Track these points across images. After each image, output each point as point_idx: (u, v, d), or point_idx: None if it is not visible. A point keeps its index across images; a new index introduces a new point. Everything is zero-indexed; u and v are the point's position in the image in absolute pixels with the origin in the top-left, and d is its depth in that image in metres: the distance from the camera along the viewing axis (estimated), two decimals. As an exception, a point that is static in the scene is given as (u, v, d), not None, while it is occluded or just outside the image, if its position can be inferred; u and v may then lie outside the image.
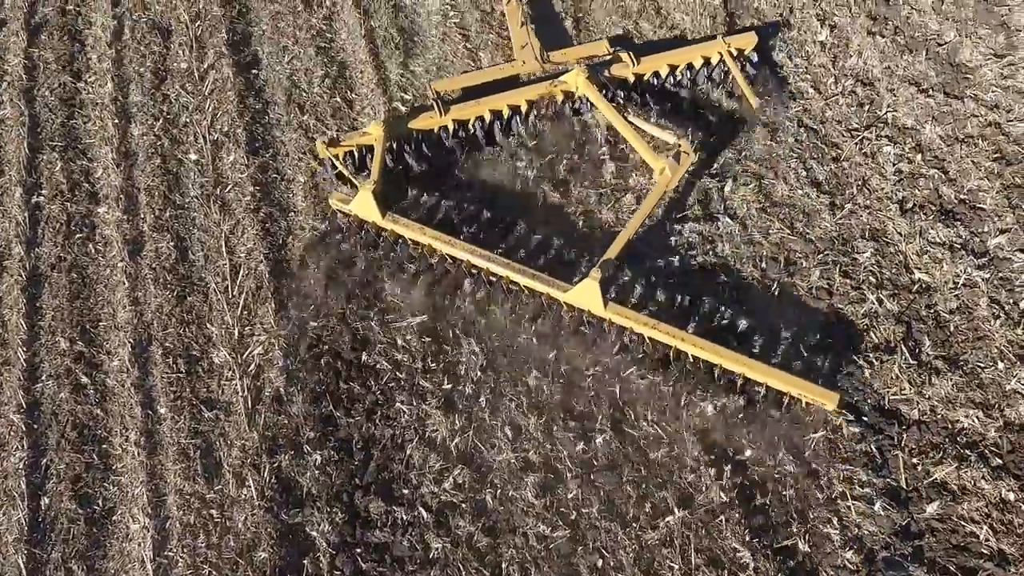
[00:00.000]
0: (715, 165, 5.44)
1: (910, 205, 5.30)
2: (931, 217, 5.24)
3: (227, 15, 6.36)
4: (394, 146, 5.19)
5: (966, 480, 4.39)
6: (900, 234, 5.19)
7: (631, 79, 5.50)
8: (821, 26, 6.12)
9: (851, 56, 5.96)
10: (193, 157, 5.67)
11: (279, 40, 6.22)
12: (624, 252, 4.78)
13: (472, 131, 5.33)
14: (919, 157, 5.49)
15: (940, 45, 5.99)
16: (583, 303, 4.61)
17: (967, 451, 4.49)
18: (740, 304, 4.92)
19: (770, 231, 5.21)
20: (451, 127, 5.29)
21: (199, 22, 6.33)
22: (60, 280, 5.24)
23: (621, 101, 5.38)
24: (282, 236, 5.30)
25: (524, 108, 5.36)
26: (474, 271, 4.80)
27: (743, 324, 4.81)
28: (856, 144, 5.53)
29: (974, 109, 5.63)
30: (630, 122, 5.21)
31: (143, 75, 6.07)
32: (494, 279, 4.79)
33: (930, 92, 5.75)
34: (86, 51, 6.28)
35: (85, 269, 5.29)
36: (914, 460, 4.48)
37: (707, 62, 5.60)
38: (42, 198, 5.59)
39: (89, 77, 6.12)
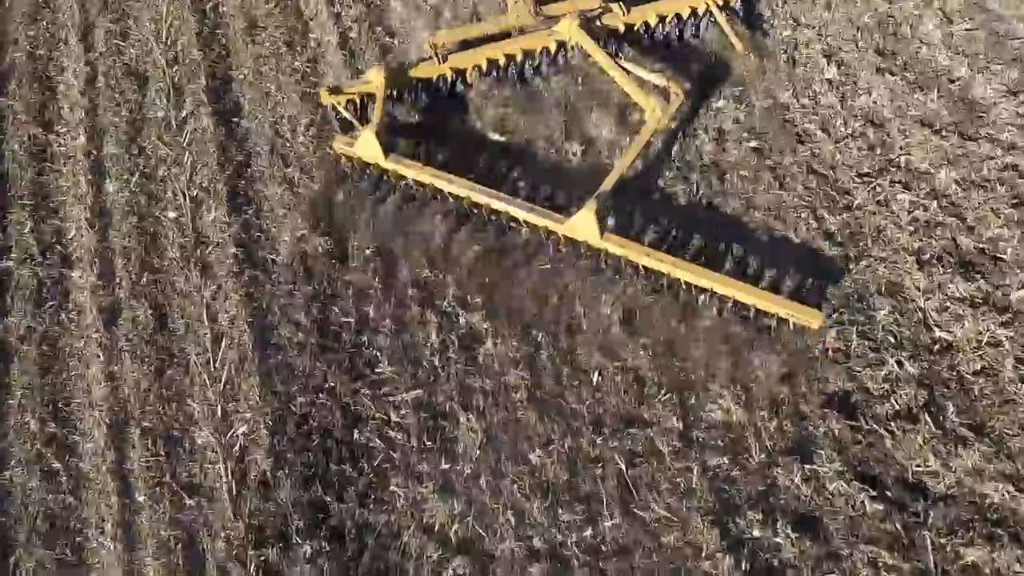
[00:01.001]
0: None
1: (927, 256, 4.96)
2: (950, 270, 4.90)
3: (206, 59, 5.96)
4: (394, 93, 5.32)
5: (1000, 564, 4.06)
6: (918, 288, 4.84)
7: (622, 28, 5.66)
8: (828, 62, 5.77)
9: (860, 95, 5.61)
10: (171, 215, 5.28)
11: (261, 85, 5.83)
12: (616, 187, 4.86)
13: (470, 79, 5.51)
14: (935, 204, 5.14)
15: (952, 82, 5.64)
16: (580, 234, 4.68)
17: (998, 529, 4.17)
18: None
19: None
20: (449, 75, 5.42)
21: (176, 67, 5.93)
22: (30, 353, 4.84)
23: (614, 49, 5.59)
24: (266, 300, 4.93)
25: (519, 57, 5.53)
26: (474, 208, 4.90)
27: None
28: (869, 191, 5.19)
29: (990, 151, 5.29)
30: (621, 66, 5.34)
31: (118, 125, 5.67)
32: (494, 216, 4.88)
33: (943, 133, 5.40)
34: (57, 99, 5.88)
35: (57, 341, 4.89)
36: (942, 540, 4.14)
37: (694, 12, 5.76)
38: (11, 262, 5.19)
39: (60, 128, 5.72)
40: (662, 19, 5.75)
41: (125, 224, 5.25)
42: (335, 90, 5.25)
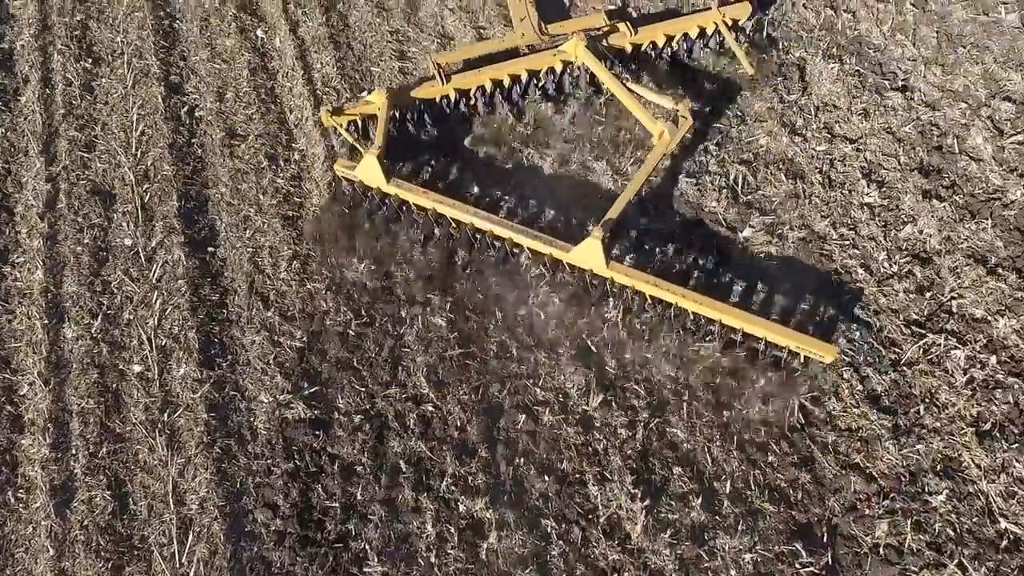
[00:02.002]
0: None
1: (987, 427, 4.32)
2: (1014, 443, 4.26)
3: (179, 175, 5.30)
4: (396, 115, 5.18)
5: None
6: (979, 467, 4.22)
7: (629, 49, 5.49)
8: (868, 183, 5.13)
9: (904, 224, 4.96)
10: (137, 369, 4.63)
11: (240, 207, 5.17)
12: (624, 214, 4.69)
13: (473, 100, 5.32)
14: (993, 359, 4.50)
15: (1006, 206, 5.00)
16: (585, 262, 4.53)
17: None
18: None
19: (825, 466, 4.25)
20: (453, 96, 5.25)
21: (147, 184, 5.27)
22: (-29, 544, 4.23)
23: (620, 70, 5.40)
24: (240, 478, 4.29)
25: (524, 77, 5.33)
26: (478, 234, 4.73)
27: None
28: (918, 346, 4.55)
29: (1054, 294, 4.67)
30: (629, 88, 5.17)
31: (80, 256, 5.00)
32: (497, 242, 4.71)
33: (1000, 271, 4.75)
34: (15, 223, 5.20)
35: (1, 528, 4.26)
36: None
37: (703, 32, 5.55)
38: (-46, 426, 4.56)
39: (17, 258, 5.05)
40: (670, 39, 5.57)
41: (84, 380, 4.59)
42: (337, 111, 5.10)
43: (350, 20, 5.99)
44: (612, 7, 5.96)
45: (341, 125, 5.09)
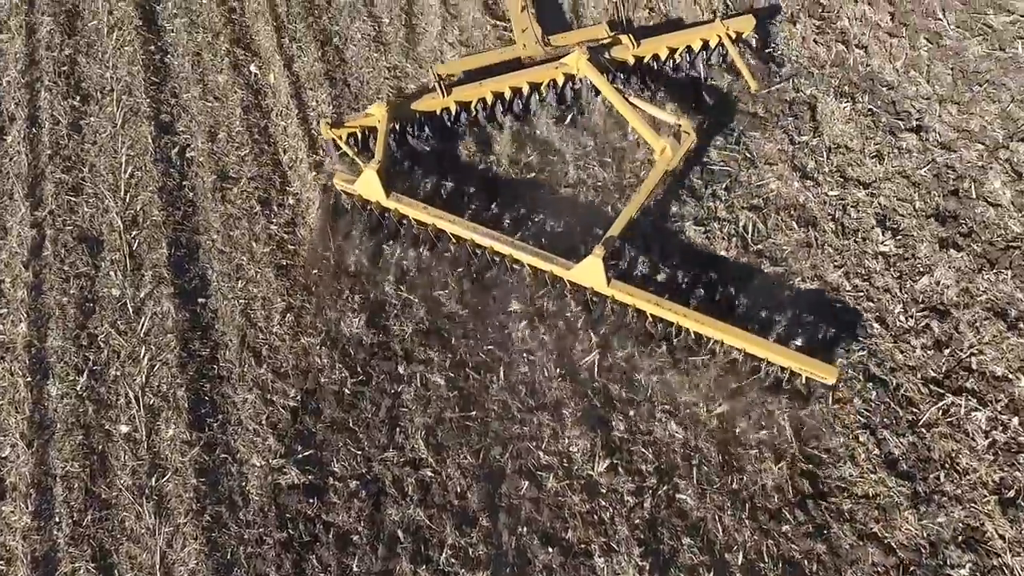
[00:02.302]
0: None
1: (1011, 494, 4.13)
2: (1039, 512, 4.09)
3: (169, 220, 5.08)
4: (397, 127, 5.08)
5: None
6: (1003, 539, 4.02)
7: (631, 61, 5.37)
8: (882, 230, 4.93)
9: (920, 274, 4.77)
10: (124, 429, 4.42)
11: (232, 255, 4.96)
12: (626, 230, 4.61)
13: (474, 112, 5.23)
14: (1015, 421, 4.31)
15: (1026, 256, 4.82)
16: (586, 281, 4.46)
17: None
18: None
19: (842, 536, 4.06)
20: (453, 109, 5.15)
21: (136, 231, 5.06)
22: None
23: (622, 83, 5.31)
24: (231, 549, 4.09)
25: (526, 90, 5.23)
26: (478, 250, 4.66)
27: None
28: (937, 407, 4.36)
29: (1077, 350, 4.48)
30: (631, 103, 5.09)
31: (65, 308, 4.79)
32: (497, 258, 4.64)
33: (1020, 326, 4.56)
34: (-1, 272, 5.02)
35: (-19, 604, 4.07)
36: None
37: (706, 45, 5.42)
38: (-67, 491, 4.35)
39: (0, 310, 4.86)
40: (672, 52, 5.44)
41: (69, 441, 4.38)
42: (336, 123, 5.01)
43: (346, 55, 5.78)
44: (614, 19, 5.85)
45: (340, 138, 4.99)
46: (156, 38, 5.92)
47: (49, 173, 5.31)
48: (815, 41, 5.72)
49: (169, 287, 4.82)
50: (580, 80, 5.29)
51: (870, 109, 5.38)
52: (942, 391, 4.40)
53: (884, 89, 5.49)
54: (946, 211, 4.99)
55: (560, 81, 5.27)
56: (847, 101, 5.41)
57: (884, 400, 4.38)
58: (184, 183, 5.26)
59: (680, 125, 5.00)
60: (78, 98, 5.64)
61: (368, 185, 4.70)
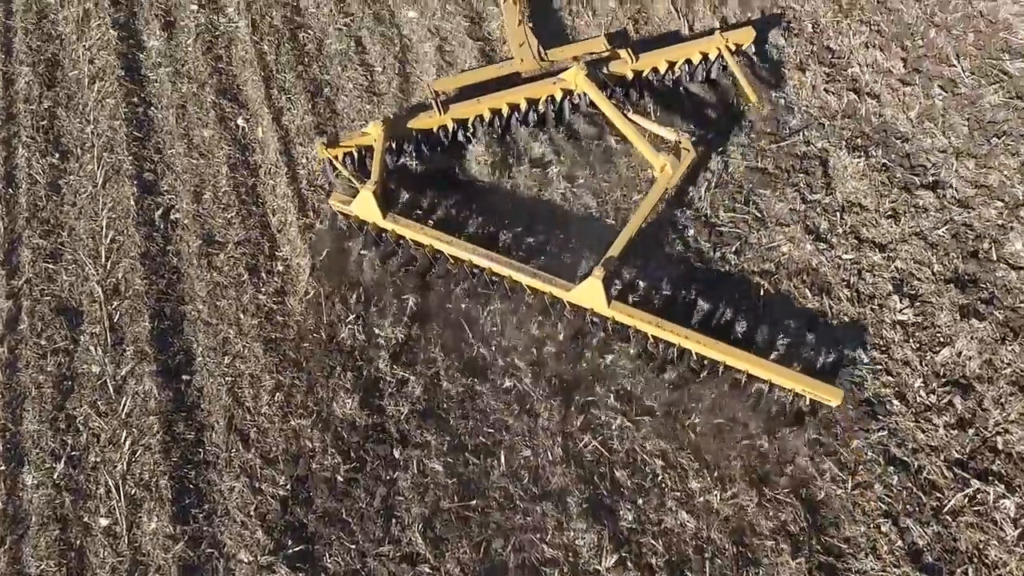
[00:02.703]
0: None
1: (1042, 590, 3.91)
2: (1072, 611, 3.85)
3: (152, 289, 4.81)
4: (393, 146, 4.99)
5: None
6: (1034, 639, 3.80)
7: (630, 76, 5.29)
8: (899, 297, 4.68)
9: (941, 346, 4.53)
10: (103, 522, 4.15)
11: (218, 328, 4.69)
12: (626, 250, 4.54)
13: (472, 129, 5.15)
14: (1045, 508, 4.09)
15: (1050, 324, 4.58)
16: (586, 302, 4.39)
17: None
18: None
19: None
20: (451, 126, 5.06)
21: (117, 301, 4.79)
22: None
23: (621, 98, 5.24)
24: (218, 660, 3.84)
25: (524, 106, 5.15)
26: (476, 270, 4.57)
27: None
28: (963, 493, 4.11)
29: (1107, 429, 4.24)
30: (630, 119, 5.00)
31: (42, 387, 4.52)
32: (496, 279, 4.56)
33: (1047, 402, 4.34)
34: (-28, 346, 4.75)
35: None
36: None
37: (705, 58, 5.34)
38: (-101, 594, 4.08)
39: (-27, 391, 4.60)
40: (671, 65, 5.35)
41: (45, 536, 4.11)
42: (332, 142, 4.90)
43: (338, 106, 5.51)
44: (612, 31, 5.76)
45: (336, 158, 4.88)
46: (139, 89, 5.65)
47: (26, 238, 5.04)
48: (826, 90, 5.47)
49: (152, 363, 4.56)
50: (579, 96, 5.20)
51: (884, 163, 5.14)
52: (967, 475, 4.15)
53: (898, 142, 5.25)
54: (965, 275, 4.75)
55: (558, 97, 5.18)
56: (860, 155, 5.16)
57: (906, 485, 4.14)
58: (168, 248, 5.00)
59: (680, 141, 4.91)
60: (57, 155, 5.37)
61: (365, 206, 4.61)
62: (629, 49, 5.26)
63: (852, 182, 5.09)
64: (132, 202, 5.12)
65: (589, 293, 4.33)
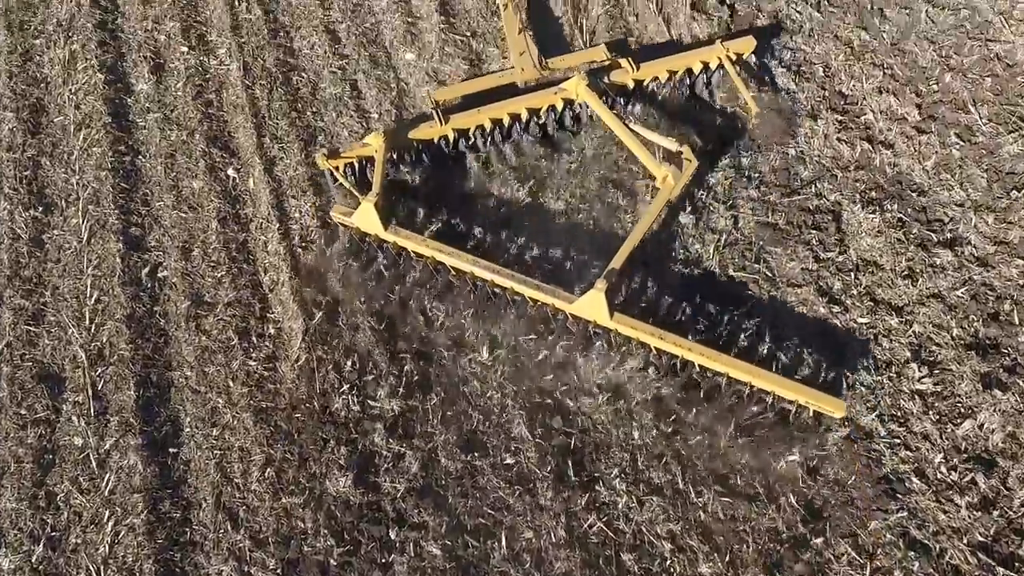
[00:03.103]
0: None
1: None
2: None
3: (138, 355, 4.59)
4: (394, 156, 4.96)
5: None
6: None
7: (631, 85, 5.22)
8: (918, 364, 4.46)
9: (962, 417, 4.31)
10: (84, 612, 3.97)
11: (207, 396, 4.47)
12: (629, 261, 4.49)
13: (473, 140, 5.10)
14: (1074, 595, 3.88)
15: (1077, 394, 4.36)
16: (589, 314, 4.35)
17: None
18: None
19: None
20: (451, 136, 5.02)
21: (101, 366, 4.57)
22: None
23: (622, 108, 5.20)
24: None
25: (524, 116, 5.09)
26: (478, 282, 4.53)
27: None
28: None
29: None
30: (632, 130, 4.97)
31: (23, 461, 4.31)
32: (498, 290, 4.50)
33: (1074, 480, 4.13)
34: (-50, 416, 4.52)
35: None
36: None
37: (706, 67, 5.28)
38: None
39: (-50, 463, 4.38)
40: (672, 75, 5.29)
41: (22, 628, 3.93)
42: (333, 154, 4.84)
43: (333, 155, 5.30)
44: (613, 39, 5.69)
45: (337, 169, 4.84)
46: (127, 136, 5.43)
47: (8, 298, 4.82)
48: (838, 139, 5.25)
49: (137, 436, 4.34)
50: (580, 106, 5.15)
51: (900, 218, 4.92)
52: (992, 560, 3.94)
53: (914, 194, 5.03)
54: (986, 339, 4.53)
55: (559, 107, 5.12)
56: (875, 209, 4.94)
57: (927, 571, 3.92)
58: (155, 309, 4.78)
59: (682, 152, 4.86)
60: (41, 208, 5.15)
61: (366, 218, 4.56)
62: (629, 58, 5.19)
63: (867, 239, 4.87)
64: (118, 259, 4.90)
65: (591, 306, 4.29)
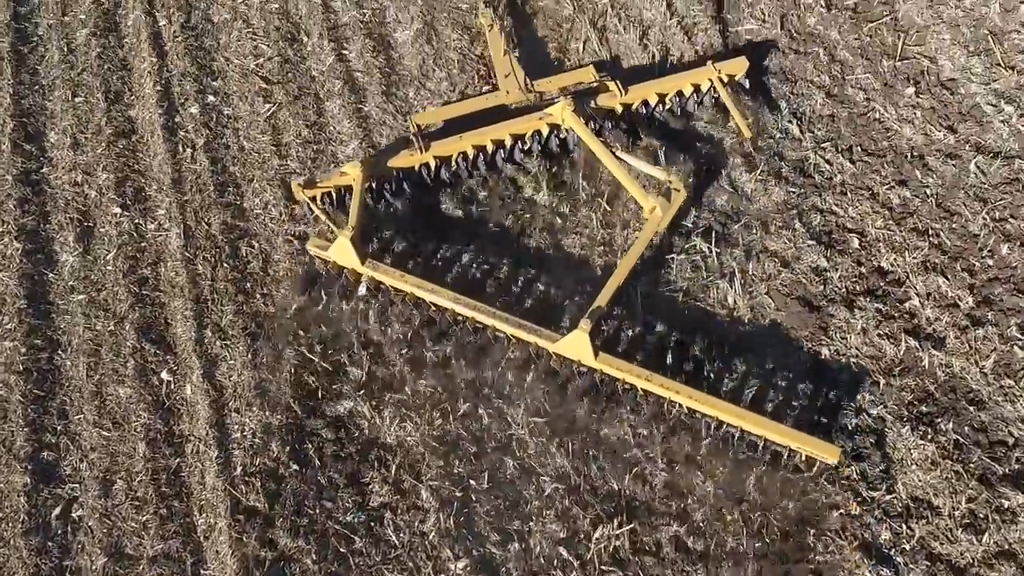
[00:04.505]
0: None
1: None
2: None
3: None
4: (373, 186, 4.73)
5: None
6: None
7: (619, 109, 4.98)
8: None
9: None
10: None
11: None
12: (615, 297, 4.31)
13: (455, 168, 4.83)
14: None
15: None
16: (573, 354, 4.16)
17: None
18: None
19: None
20: (432, 164, 4.78)
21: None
22: None
23: (609, 133, 4.93)
24: None
25: (508, 142, 4.86)
26: (459, 319, 4.33)
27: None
28: None
29: None
30: (619, 158, 4.76)
31: None
32: (480, 327, 4.31)
33: None
34: None
35: None
36: None
37: (697, 89, 5.03)
38: None
39: None
40: (662, 98, 5.03)
41: None
42: (310, 184, 4.64)
43: (286, 353, 4.44)
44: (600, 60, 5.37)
45: (314, 199, 4.61)
46: (45, 325, 4.57)
47: None
48: (879, 333, 4.41)
49: None
50: (566, 131, 4.88)
51: (957, 441, 4.07)
52: None
53: (971, 407, 4.18)
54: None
55: (544, 132, 4.87)
56: (926, 432, 4.09)
57: None
58: (65, 565, 3.92)
59: (671, 182, 4.64)
60: (-64, 428, 4.30)
61: (342, 251, 4.35)
62: (617, 81, 4.92)
63: (918, 474, 4.02)
64: (23, 499, 4.04)
65: (575, 345, 4.09)
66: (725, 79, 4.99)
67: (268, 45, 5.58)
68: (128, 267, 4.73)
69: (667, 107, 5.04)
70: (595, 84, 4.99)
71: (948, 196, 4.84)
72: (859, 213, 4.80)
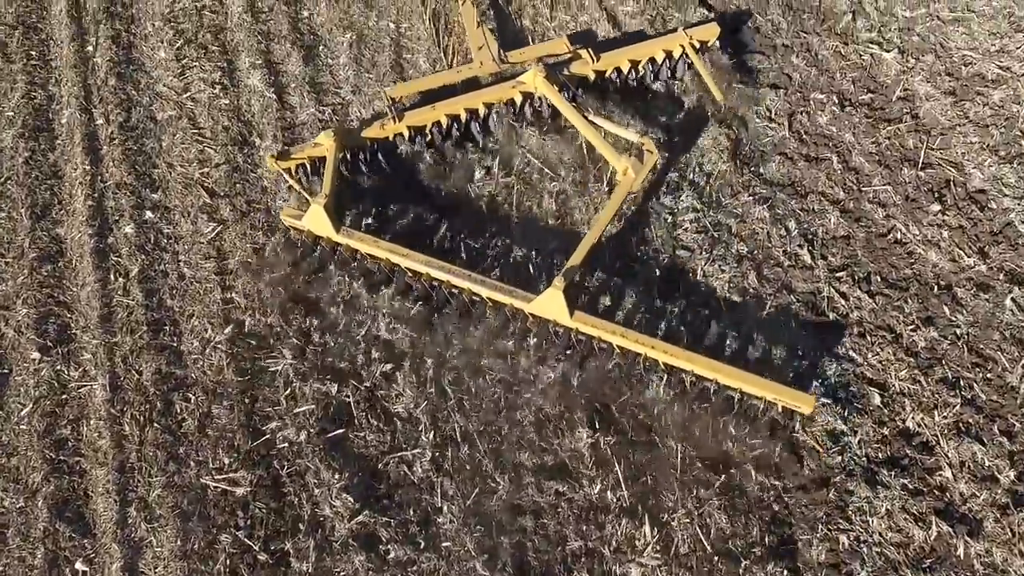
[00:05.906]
0: None
1: None
2: None
3: None
4: (347, 156, 4.73)
5: None
6: None
7: (591, 76, 5.02)
8: None
9: None
10: None
11: None
12: (589, 257, 4.27)
13: (429, 137, 4.84)
14: None
15: None
16: (548, 313, 4.13)
17: None
18: None
19: None
20: (407, 134, 4.77)
21: None
22: None
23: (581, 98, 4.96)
24: None
25: (482, 111, 4.88)
26: (434, 283, 4.31)
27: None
28: None
29: None
30: (591, 121, 4.77)
31: None
32: (455, 291, 4.29)
33: None
34: None
35: None
36: None
37: (669, 56, 5.05)
38: None
39: None
40: (634, 64, 5.06)
41: None
42: (283, 155, 4.62)
43: (221, 538, 3.78)
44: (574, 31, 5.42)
45: (289, 170, 4.61)
46: (-53, 499, 3.93)
47: None
48: (906, 516, 3.76)
49: None
50: (539, 98, 4.89)
51: (997, 657, 3.45)
52: None
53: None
54: None
55: (518, 100, 4.89)
56: (963, 643, 3.47)
57: None
58: None
59: (643, 143, 4.65)
60: None
61: (316, 220, 4.34)
62: (590, 49, 4.96)
63: None
64: None
65: (550, 304, 4.09)
66: (697, 45, 5.01)
67: (215, 149, 4.93)
68: (45, 427, 4.08)
69: (640, 74, 5.05)
70: (569, 54, 5.00)
71: (981, 337, 4.20)
72: (880, 363, 4.15)
